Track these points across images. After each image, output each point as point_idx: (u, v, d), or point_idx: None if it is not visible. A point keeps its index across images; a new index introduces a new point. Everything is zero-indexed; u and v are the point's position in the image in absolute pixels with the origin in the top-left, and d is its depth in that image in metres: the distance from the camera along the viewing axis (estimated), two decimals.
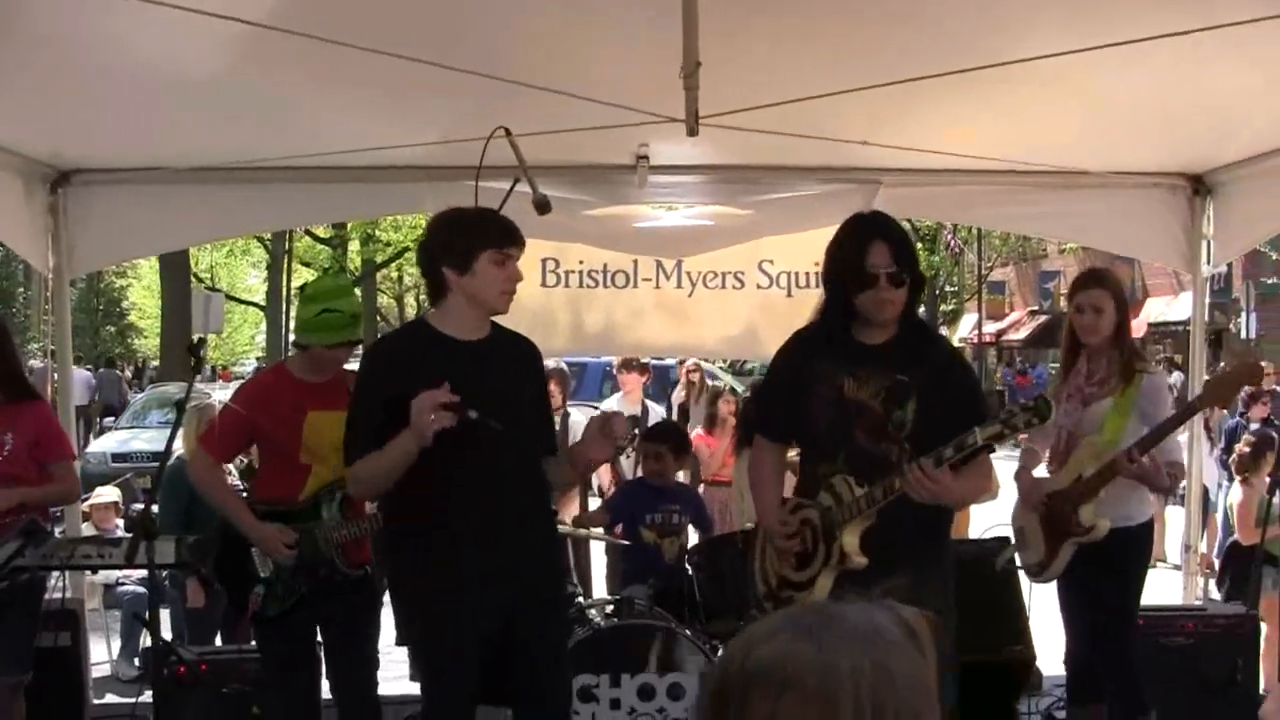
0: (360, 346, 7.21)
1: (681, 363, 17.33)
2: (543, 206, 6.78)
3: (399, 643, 6.85)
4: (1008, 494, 7.55)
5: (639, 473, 10.02)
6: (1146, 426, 7.05)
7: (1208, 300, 10.61)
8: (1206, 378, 9.51)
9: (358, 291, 50.97)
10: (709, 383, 15.56)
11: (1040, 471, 7.63)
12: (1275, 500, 9.58)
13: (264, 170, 9.07)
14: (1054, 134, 8.55)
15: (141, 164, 9.04)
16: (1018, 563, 7.78)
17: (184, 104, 7.58)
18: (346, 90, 7.43)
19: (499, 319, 6.04)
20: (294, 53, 6.18)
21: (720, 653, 1.84)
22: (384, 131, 8.20)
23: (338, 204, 10.57)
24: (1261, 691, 8.91)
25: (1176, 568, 12.90)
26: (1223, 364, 30.39)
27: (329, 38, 5.84)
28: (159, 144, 8.63)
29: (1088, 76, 6.98)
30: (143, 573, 10.04)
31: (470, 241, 5.77)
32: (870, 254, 5.68)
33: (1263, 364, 7.35)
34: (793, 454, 6.46)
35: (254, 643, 7.22)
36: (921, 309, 6.33)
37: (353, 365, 7.02)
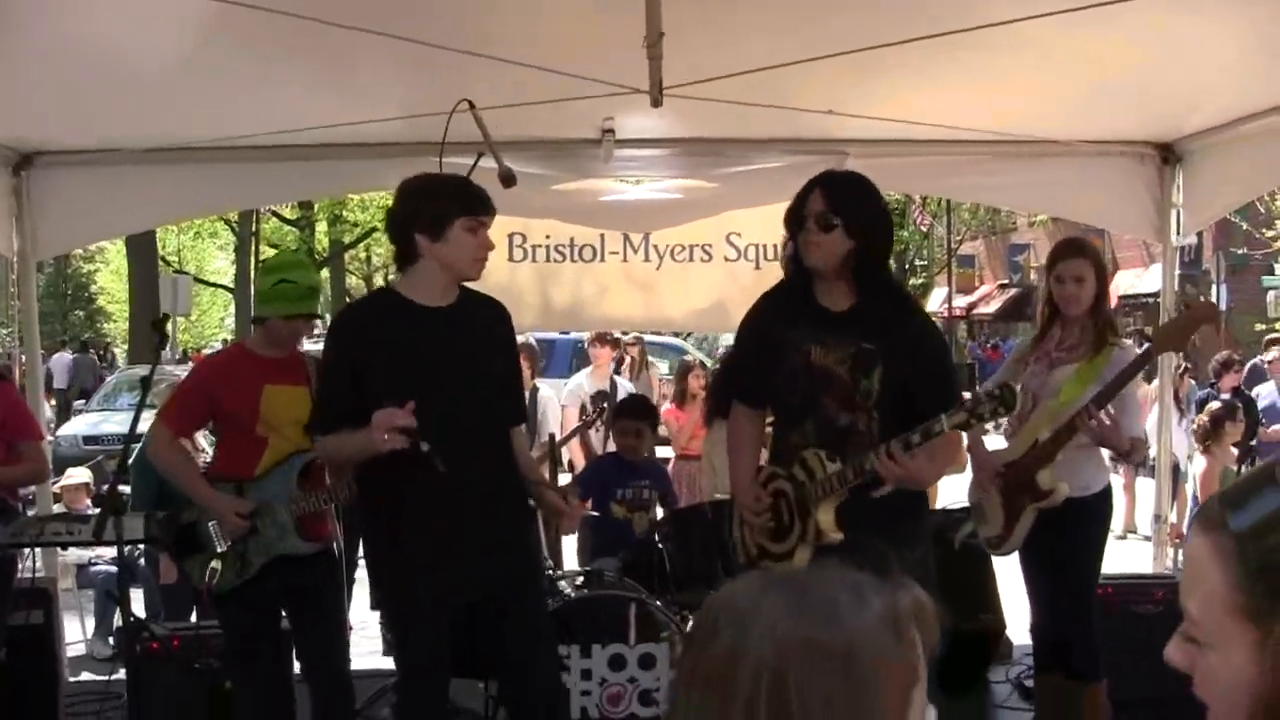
0: (319, 323, 7.17)
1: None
2: (508, 180, 6.75)
3: (374, 608, 6.86)
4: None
5: (609, 447, 10.01)
6: None
7: (1178, 271, 10.61)
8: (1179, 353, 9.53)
9: (324, 273, 51.17)
10: (681, 358, 15.52)
11: (998, 440, 7.63)
12: (1242, 470, 9.64)
13: (227, 150, 9.00)
14: (1022, 102, 8.55)
15: (104, 145, 9.00)
16: (978, 536, 7.76)
17: (145, 84, 7.53)
18: (307, 66, 7.41)
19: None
20: (254, 29, 6.17)
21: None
22: (347, 108, 8.16)
23: (302, 182, 10.55)
24: None
25: (1147, 538, 12.95)
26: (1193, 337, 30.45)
27: (289, 11, 5.80)
28: (121, 125, 8.58)
29: (1056, 43, 6.97)
30: (115, 552, 10.03)
31: (444, 208, 5.75)
32: (808, 200, 5.73)
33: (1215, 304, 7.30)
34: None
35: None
36: None
37: (310, 344, 7.03)
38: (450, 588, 5.84)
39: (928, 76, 7.74)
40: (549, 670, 6.28)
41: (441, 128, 6.52)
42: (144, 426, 7.27)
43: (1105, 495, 7.40)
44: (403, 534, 5.85)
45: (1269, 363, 15.34)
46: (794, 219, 5.78)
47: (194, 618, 9.11)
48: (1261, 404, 15.39)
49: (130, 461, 9.33)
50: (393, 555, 5.94)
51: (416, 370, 5.69)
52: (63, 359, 42.76)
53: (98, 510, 8.25)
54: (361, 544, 6.50)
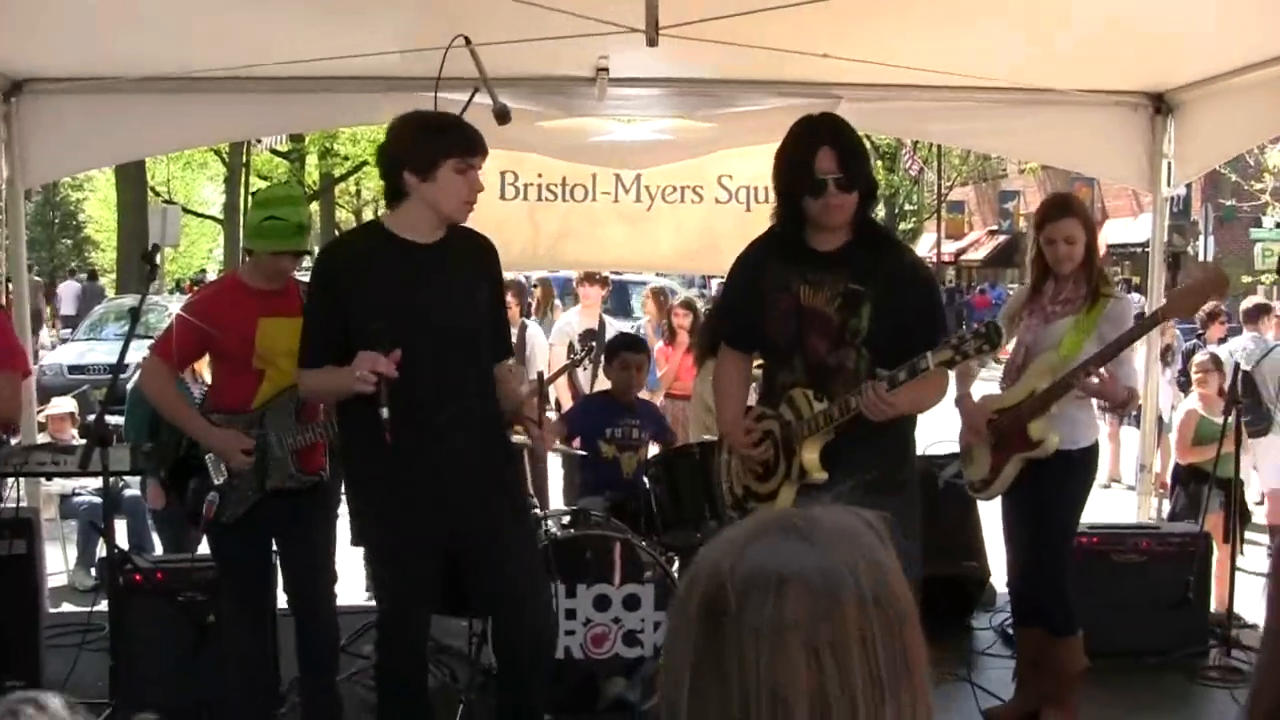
0: (307, 259, 7.13)
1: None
2: (503, 116, 6.73)
3: (354, 543, 6.86)
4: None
5: (598, 386, 10.00)
6: None
7: (1167, 222, 10.61)
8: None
9: (314, 206, 51.06)
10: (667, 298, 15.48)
11: (992, 388, 7.63)
12: (1219, 420, 9.67)
13: (221, 80, 8.96)
14: (1015, 50, 8.53)
15: (95, 74, 8.92)
16: (962, 478, 7.79)
17: (139, 13, 7.49)
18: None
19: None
20: None
21: (697, 558, 1.75)
22: (343, 40, 8.11)
23: (295, 114, 10.46)
24: (1212, 609, 9.02)
25: (1131, 488, 12.98)
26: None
27: None
28: (113, 53, 8.52)
29: None
30: (98, 483, 10.02)
31: (435, 148, 5.73)
32: (817, 159, 5.66)
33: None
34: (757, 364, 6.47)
35: (208, 550, 7.18)
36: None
37: (303, 275, 7.00)
38: (433, 526, 5.88)
39: (922, 22, 7.73)
40: (538, 610, 6.29)
41: (437, 63, 6.49)
42: (133, 357, 7.22)
43: (1092, 451, 7.41)
44: (384, 471, 5.88)
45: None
46: (803, 179, 5.71)
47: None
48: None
49: (129, 389, 9.35)
50: (374, 493, 6.00)
51: (400, 306, 5.72)
52: (71, 286, 43.07)
53: (83, 440, 8.23)
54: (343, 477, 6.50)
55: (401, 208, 5.86)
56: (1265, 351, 12.57)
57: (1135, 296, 20.98)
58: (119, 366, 6.52)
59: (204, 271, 58.10)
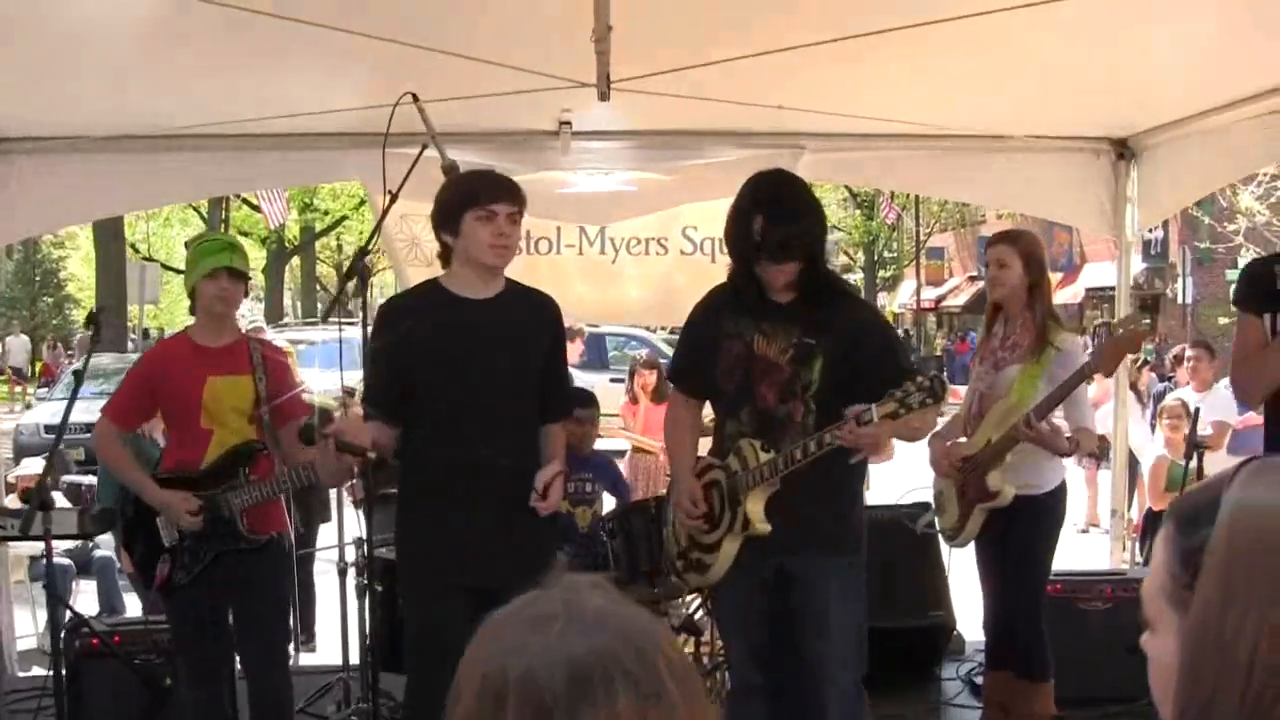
0: (246, 286, 7.08)
1: None
2: (450, 171, 6.73)
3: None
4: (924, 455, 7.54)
5: None
6: None
7: (1144, 265, 10.63)
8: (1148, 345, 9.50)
9: (295, 261, 50.99)
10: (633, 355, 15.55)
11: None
12: (1190, 464, 9.69)
13: (195, 137, 8.99)
14: (977, 97, 8.54)
15: (64, 132, 8.89)
16: (935, 526, 7.80)
17: (105, 71, 7.48)
18: (265, 57, 7.35)
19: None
20: (213, 21, 6.12)
21: (476, 671, 1.51)
22: (302, 98, 8.13)
23: (262, 171, 10.40)
24: None
25: (1109, 533, 12.99)
26: (1157, 327, 30.58)
27: (245, 6, 5.79)
28: (82, 112, 8.48)
29: (1010, 38, 6.95)
30: (69, 545, 10.01)
31: (454, 204, 5.97)
32: (754, 226, 5.74)
33: (1145, 324, 7.35)
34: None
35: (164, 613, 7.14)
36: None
37: (260, 337, 6.98)
38: (459, 570, 5.93)
39: (880, 72, 7.73)
40: None
41: (400, 119, 6.50)
42: (89, 417, 7.17)
43: (1058, 493, 7.40)
44: (419, 513, 6.09)
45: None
46: (745, 244, 5.82)
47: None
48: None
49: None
50: (409, 533, 6.19)
51: (443, 354, 5.94)
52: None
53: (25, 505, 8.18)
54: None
55: (451, 268, 6.10)
56: None
57: None
58: (62, 428, 6.43)
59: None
